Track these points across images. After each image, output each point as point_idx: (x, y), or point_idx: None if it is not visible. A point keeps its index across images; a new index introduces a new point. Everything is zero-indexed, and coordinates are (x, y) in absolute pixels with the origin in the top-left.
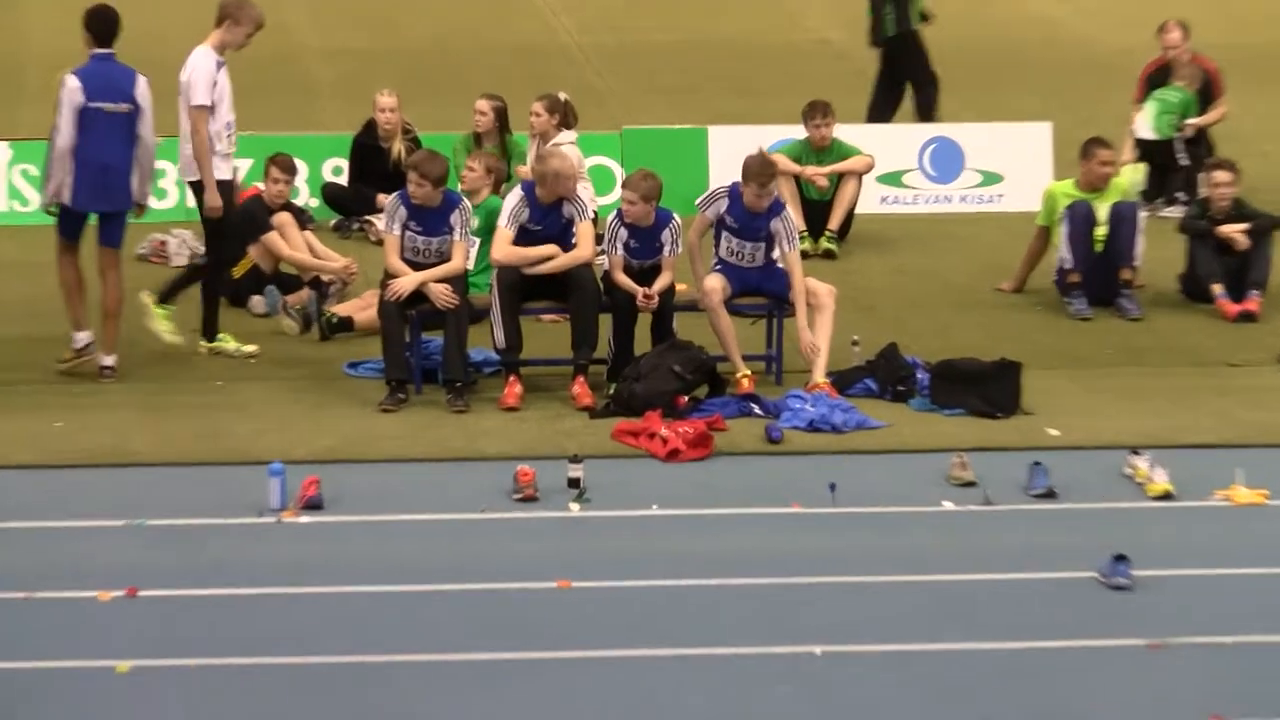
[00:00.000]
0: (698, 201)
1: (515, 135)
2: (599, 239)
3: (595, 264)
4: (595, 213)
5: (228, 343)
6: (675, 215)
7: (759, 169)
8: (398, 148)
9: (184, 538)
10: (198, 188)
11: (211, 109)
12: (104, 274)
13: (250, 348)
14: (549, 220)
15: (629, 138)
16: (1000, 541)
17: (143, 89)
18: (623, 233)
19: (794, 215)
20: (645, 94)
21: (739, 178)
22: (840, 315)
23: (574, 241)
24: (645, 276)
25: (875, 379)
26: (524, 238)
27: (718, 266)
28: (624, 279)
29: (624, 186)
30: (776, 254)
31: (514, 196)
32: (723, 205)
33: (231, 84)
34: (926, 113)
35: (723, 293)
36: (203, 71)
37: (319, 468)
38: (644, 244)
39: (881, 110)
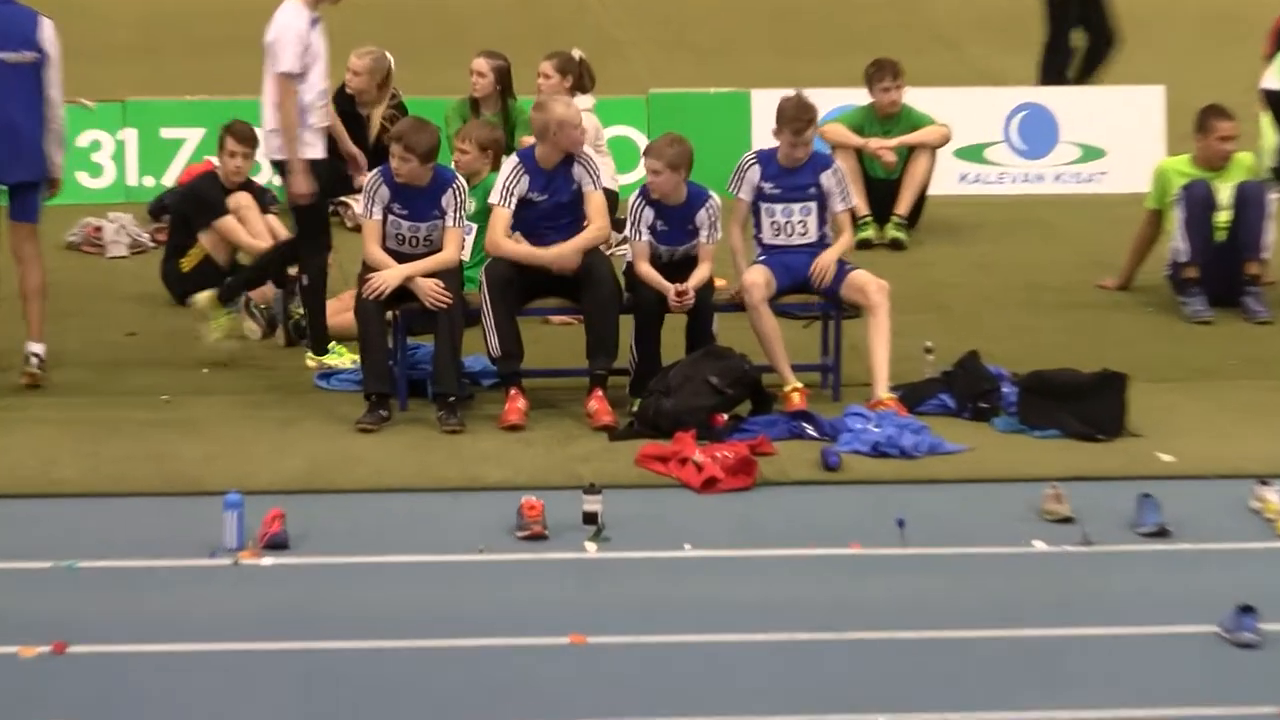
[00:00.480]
0: (729, 185)
1: (519, 100)
2: (618, 225)
3: (615, 254)
4: (616, 193)
5: (342, 356)
6: (713, 194)
7: (795, 111)
8: (379, 115)
9: (121, 583)
10: (285, 168)
11: (301, 76)
12: (18, 252)
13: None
14: (555, 186)
15: (656, 103)
16: (1103, 589)
17: (49, 34)
18: (648, 213)
19: (856, 196)
20: (674, 51)
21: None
22: (910, 317)
23: (584, 221)
24: (677, 269)
25: (952, 394)
26: (527, 212)
27: (761, 258)
28: (650, 272)
29: (646, 154)
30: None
31: (508, 166)
32: (755, 173)
33: (326, 45)
34: (1093, 66)
35: (766, 289)
36: (292, 32)
37: (284, 499)
38: (674, 227)
39: (1057, 64)
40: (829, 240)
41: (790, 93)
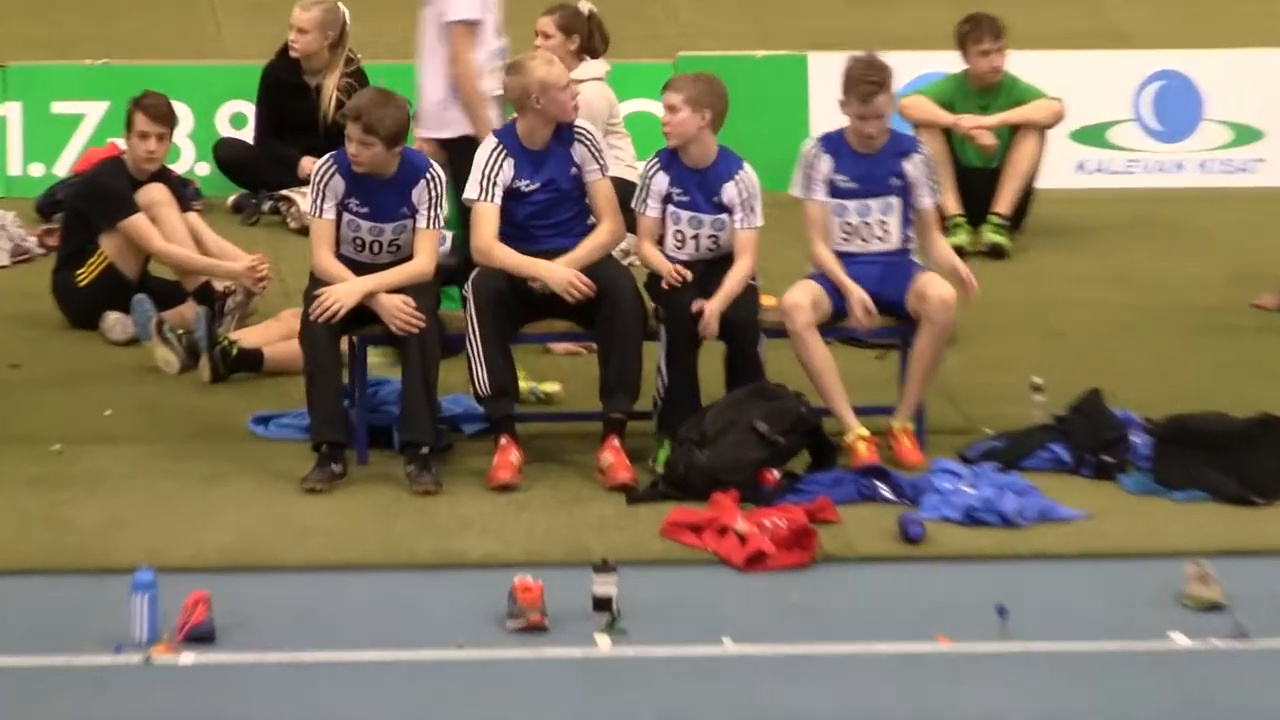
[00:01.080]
0: (793, 187)
1: None
2: (626, 210)
3: (635, 262)
4: (635, 185)
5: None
6: (748, 166)
7: (862, 71)
8: (332, 85)
9: (3, 686)
10: (454, 148)
11: (476, 25)
12: None
13: (550, 386)
14: (549, 170)
15: (686, 68)
16: (1261, 696)
17: None
18: (661, 180)
19: (944, 188)
20: (707, 5)
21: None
22: (1012, 345)
23: (591, 216)
24: (707, 272)
25: (1067, 444)
26: (516, 207)
27: (812, 273)
28: (652, 253)
29: (663, 89)
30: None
31: (484, 150)
32: (827, 165)
33: None
34: None
35: (813, 311)
36: None
37: (209, 578)
38: (697, 197)
39: None
40: (912, 247)
41: (860, 54)
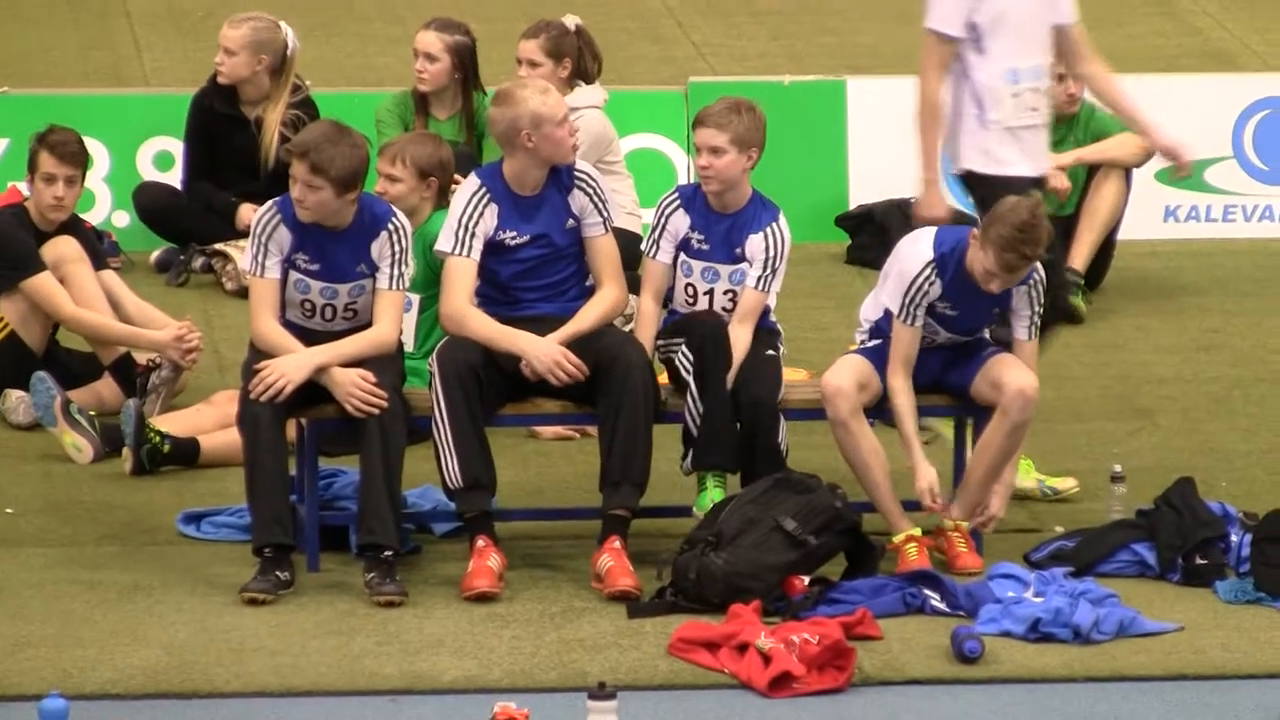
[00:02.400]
0: (892, 305)
1: (489, 92)
2: (633, 263)
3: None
4: (639, 235)
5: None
6: (782, 218)
7: (1024, 232)
8: (274, 118)
9: None
10: (973, 183)
11: (973, 41)
12: None
13: (1064, 483)
14: (541, 220)
15: (701, 98)
16: None
17: None
18: (679, 221)
19: None
20: (727, 21)
21: (974, 228)
22: (1089, 426)
23: (588, 279)
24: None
25: (1153, 544)
26: (498, 265)
27: (865, 340)
28: (648, 323)
29: (700, 124)
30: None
31: (465, 193)
32: (933, 289)
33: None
34: None
35: (860, 395)
36: None
37: (132, 706)
38: (718, 246)
39: None
40: (981, 336)
41: (1021, 202)
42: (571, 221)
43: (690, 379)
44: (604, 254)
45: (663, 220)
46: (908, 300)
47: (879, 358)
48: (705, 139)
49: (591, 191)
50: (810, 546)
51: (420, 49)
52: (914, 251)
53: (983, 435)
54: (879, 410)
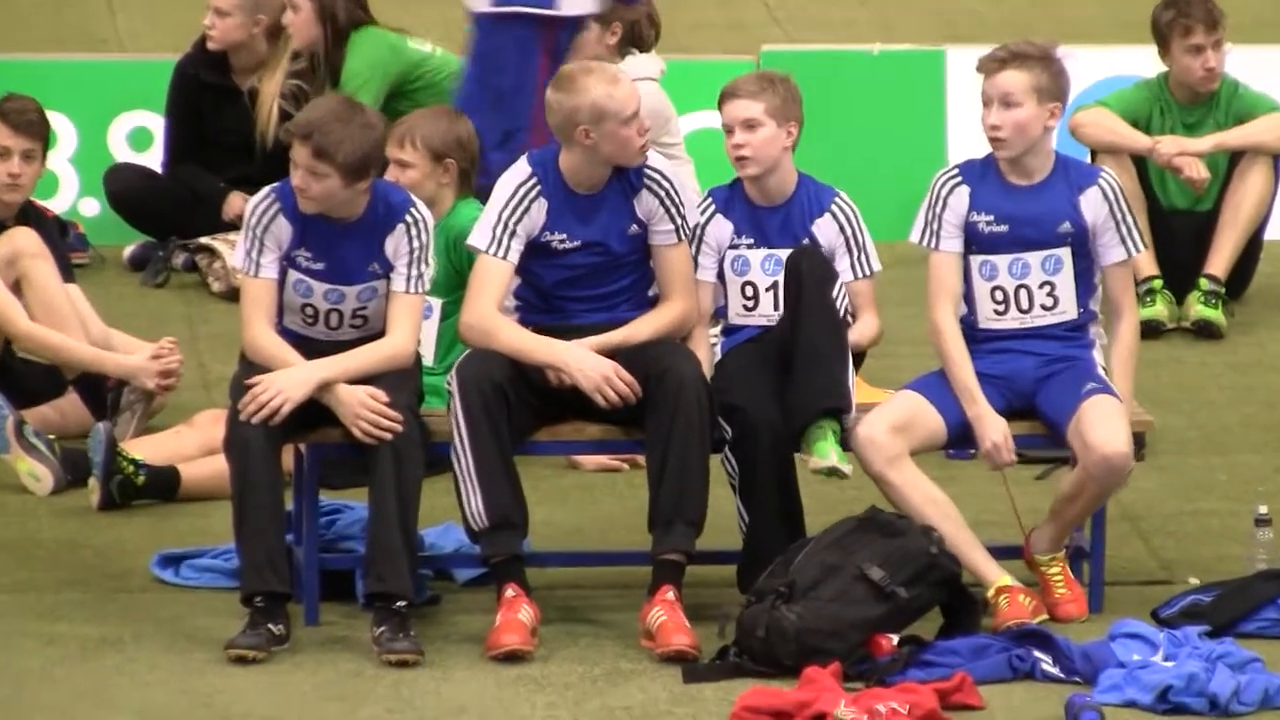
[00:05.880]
0: (916, 230)
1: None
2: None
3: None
4: (698, 226)
5: None
6: (841, 193)
7: (994, 51)
8: (272, 90)
9: None
10: None
11: None
12: None
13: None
14: (599, 224)
15: (774, 65)
16: None
17: None
18: (721, 229)
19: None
20: None
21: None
22: (1228, 460)
23: (651, 287)
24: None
25: None
26: (542, 270)
27: (931, 375)
28: (703, 343)
29: (726, 97)
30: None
31: (510, 181)
32: (962, 200)
33: None
34: None
35: (902, 439)
36: None
37: None
38: (772, 236)
39: None
40: (1096, 332)
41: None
42: (635, 227)
43: (737, 489)
44: (674, 267)
45: (699, 234)
46: (927, 213)
47: (934, 386)
48: (736, 113)
49: (663, 194)
50: (900, 599)
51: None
52: (939, 171)
53: (1069, 480)
54: (962, 443)
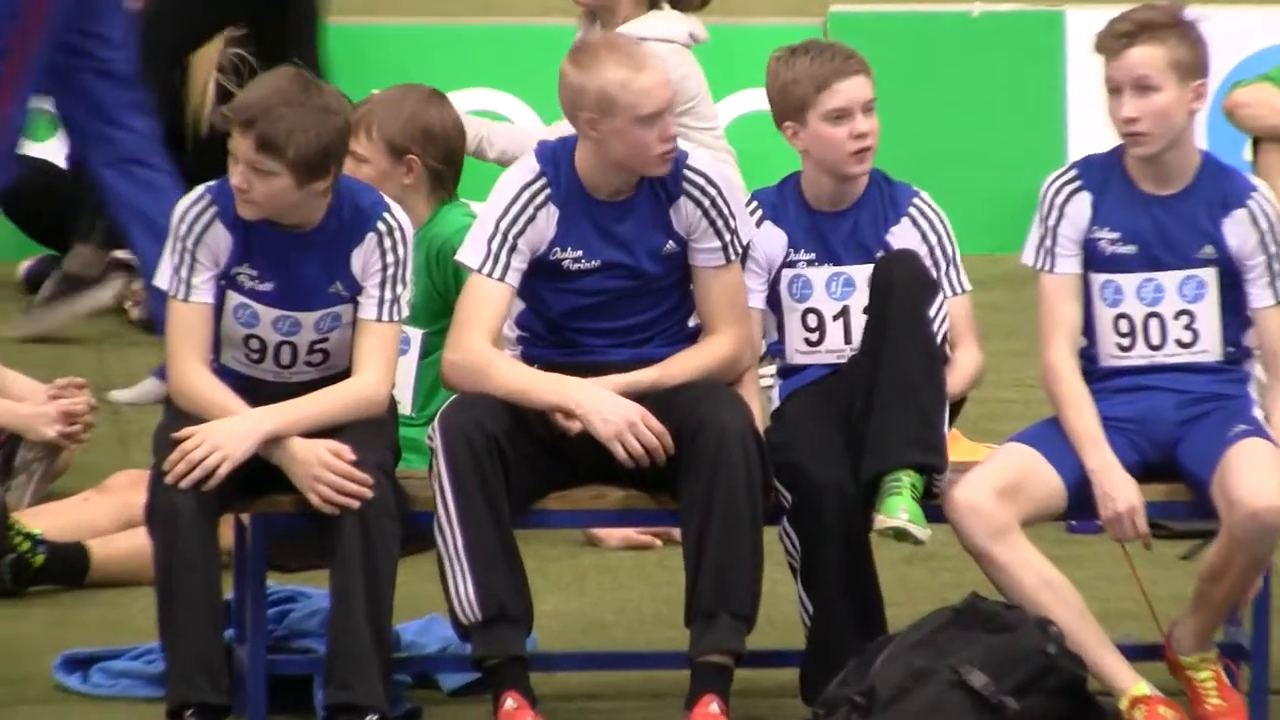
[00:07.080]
0: (1026, 251)
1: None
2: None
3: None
4: (746, 245)
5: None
6: (923, 192)
7: (1115, 20)
8: (206, 67)
9: None
10: None
11: None
12: None
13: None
14: (623, 240)
15: (846, 32)
16: None
17: None
18: (774, 241)
19: None
20: None
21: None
22: None
23: (692, 317)
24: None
25: None
26: (551, 294)
27: (1046, 424)
28: (753, 387)
29: (842, 74)
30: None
31: (511, 182)
32: (1082, 209)
33: None
34: None
35: (1001, 509)
36: None
37: None
38: (844, 252)
39: None
40: (1247, 360)
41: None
42: (672, 244)
43: (799, 575)
44: (722, 294)
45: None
46: (1041, 229)
47: (1049, 439)
48: (855, 92)
49: (708, 202)
50: (1009, 712)
51: None
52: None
53: (1213, 551)
54: (1086, 510)
